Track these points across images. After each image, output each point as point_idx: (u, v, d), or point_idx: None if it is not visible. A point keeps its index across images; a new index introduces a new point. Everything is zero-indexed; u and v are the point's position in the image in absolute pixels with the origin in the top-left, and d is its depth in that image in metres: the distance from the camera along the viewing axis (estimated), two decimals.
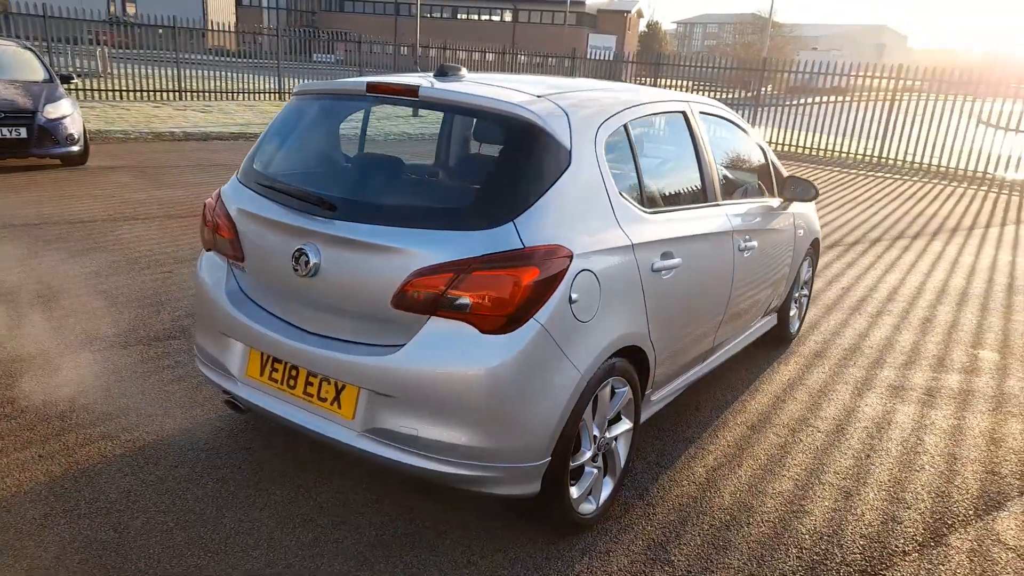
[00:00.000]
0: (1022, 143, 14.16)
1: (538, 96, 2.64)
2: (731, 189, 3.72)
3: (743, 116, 12.33)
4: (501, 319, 2.28)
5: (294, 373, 2.58)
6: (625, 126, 2.86)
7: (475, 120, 3.26)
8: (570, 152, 2.50)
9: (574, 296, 2.38)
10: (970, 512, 3.06)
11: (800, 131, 16.90)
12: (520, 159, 2.46)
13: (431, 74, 3.00)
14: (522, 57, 24.21)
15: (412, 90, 2.61)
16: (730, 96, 20.64)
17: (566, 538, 2.73)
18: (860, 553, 2.75)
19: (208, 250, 2.95)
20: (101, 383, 3.67)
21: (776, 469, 3.32)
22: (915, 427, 3.84)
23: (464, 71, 2.91)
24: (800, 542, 2.79)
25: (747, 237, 3.63)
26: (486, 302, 2.27)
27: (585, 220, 2.50)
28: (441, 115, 3.72)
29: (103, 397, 3.54)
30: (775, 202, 4.14)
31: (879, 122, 15.71)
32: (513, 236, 2.31)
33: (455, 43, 25.22)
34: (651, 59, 21.98)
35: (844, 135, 16.46)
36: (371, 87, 2.71)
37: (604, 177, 2.62)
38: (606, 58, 23.16)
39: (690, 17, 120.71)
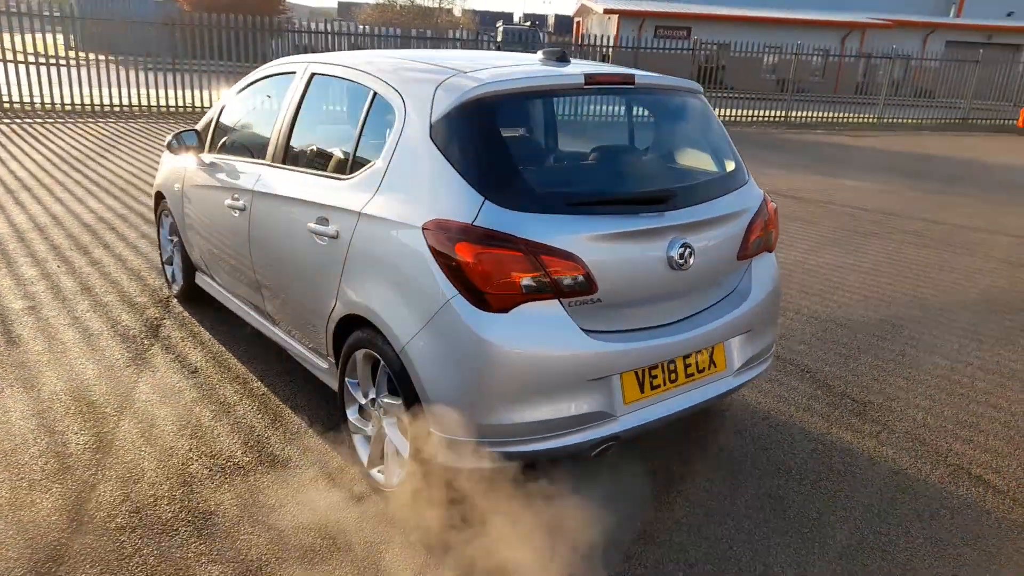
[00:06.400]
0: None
1: None
2: None
3: None
4: (776, 239, 3.17)
5: (672, 367, 2.69)
6: None
7: (676, 98, 3.13)
8: None
9: None
10: None
11: None
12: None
13: (540, 58, 3.02)
14: None
15: (628, 78, 2.83)
16: None
17: None
18: None
19: (505, 308, 2.34)
20: None
21: None
22: None
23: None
24: None
25: None
26: (776, 230, 3.15)
27: None
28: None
29: None
30: None
31: None
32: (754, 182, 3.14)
33: None
34: None
35: None
36: (590, 79, 2.70)
37: None
38: None
39: None
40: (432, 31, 20.40)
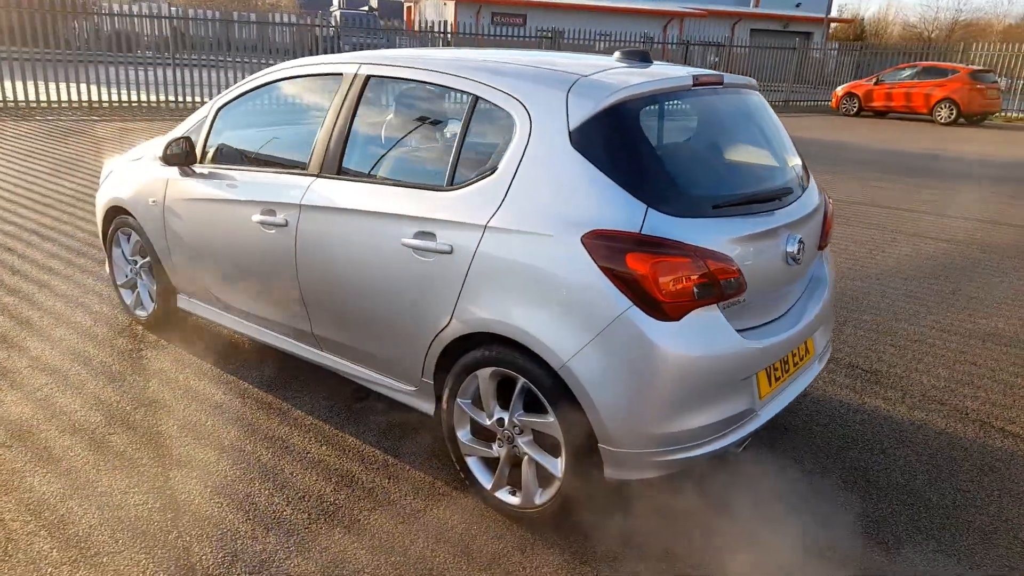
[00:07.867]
0: None
1: None
2: None
3: None
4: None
5: (785, 360, 2.76)
6: None
7: (750, 97, 3.17)
8: None
9: None
10: None
11: None
12: None
13: (619, 58, 2.94)
14: None
15: (720, 79, 2.87)
16: None
17: None
18: None
19: (678, 316, 2.34)
20: None
21: None
22: None
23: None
24: None
25: None
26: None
27: None
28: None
29: None
30: None
31: None
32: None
33: None
34: None
35: None
36: (696, 80, 2.75)
37: None
38: None
39: None
40: (255, 15, 19.40)
